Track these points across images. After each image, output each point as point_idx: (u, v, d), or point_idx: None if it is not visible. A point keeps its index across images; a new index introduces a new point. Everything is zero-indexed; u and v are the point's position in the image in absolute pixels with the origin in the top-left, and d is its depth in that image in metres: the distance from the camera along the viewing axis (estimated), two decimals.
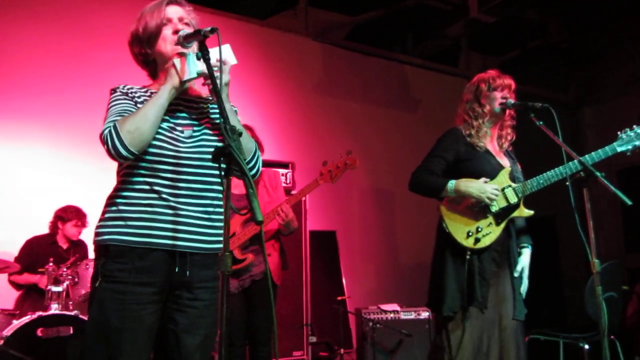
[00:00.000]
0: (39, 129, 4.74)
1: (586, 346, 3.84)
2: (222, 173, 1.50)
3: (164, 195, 1.77)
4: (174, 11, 1.89)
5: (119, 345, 1.70)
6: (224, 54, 1.75)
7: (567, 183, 2.51)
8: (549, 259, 7.77)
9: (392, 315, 4.65)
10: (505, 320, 2.63)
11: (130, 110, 1.81)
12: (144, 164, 1.78)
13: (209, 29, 1.66)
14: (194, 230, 1.80)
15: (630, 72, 7.66)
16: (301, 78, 6.35)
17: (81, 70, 4.89)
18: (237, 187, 3.36)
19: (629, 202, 2.30)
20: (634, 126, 2.69)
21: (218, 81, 1.73)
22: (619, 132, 2.70)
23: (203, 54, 1.66)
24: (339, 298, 4.91)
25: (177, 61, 1.79)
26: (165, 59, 1.87)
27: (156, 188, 1.78)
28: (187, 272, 1.79)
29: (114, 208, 1.79)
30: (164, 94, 1.78)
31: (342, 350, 4.61)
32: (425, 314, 4.67)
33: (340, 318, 4.67)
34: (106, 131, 1.73)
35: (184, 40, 1.77)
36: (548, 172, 2.66)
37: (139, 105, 1.83)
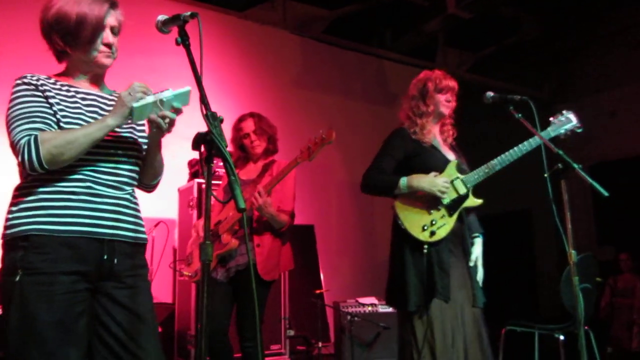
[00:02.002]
0: None
1: (561, 337, 3.90)
2: (203, 160, 1.48)
3: (88, 184, 1.75)
4: (111, 18, 1.83)
5: (53, 339, 1.62)
6: (183, 99, 1.72)
7: (545, 175, 2.53)
8: (524, 252, 7.90)
9: (370, 308, 4.66)
10: (466, 309, 2.66)
11: (43, 113, 1.72)
12: None
13: (188, 13, 1.65)
14: (119, 218, 1.80)
15: (604, 70, 7.81)
16: (279, 71, 6.31)
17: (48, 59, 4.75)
18: (247, 173, 3.24)
19: (606, 193, 2.34)
20: (563, 111, 2.80)
21: (165, 125, 1.75)
22: (550, 118, 2.78)
23: (182, 40, 1.64)
24: (317, 291, 4.91)
25: (137, 105, 1.69)
26: (89, 64, 1.84)
27: (79, 176, 1.75)
28: (115, 260, 1.76)
29: (31, 197, 1.72)
30: (104, 130, 1.71)
31: (319, 344, 4.60)
32: None
33: (318, 311, 4.67)
34: (23, 141, 1.66)
35: (162, 26, 1.74)
36: (500, 156, 2.72)
37: (50, 101, 1.74)
